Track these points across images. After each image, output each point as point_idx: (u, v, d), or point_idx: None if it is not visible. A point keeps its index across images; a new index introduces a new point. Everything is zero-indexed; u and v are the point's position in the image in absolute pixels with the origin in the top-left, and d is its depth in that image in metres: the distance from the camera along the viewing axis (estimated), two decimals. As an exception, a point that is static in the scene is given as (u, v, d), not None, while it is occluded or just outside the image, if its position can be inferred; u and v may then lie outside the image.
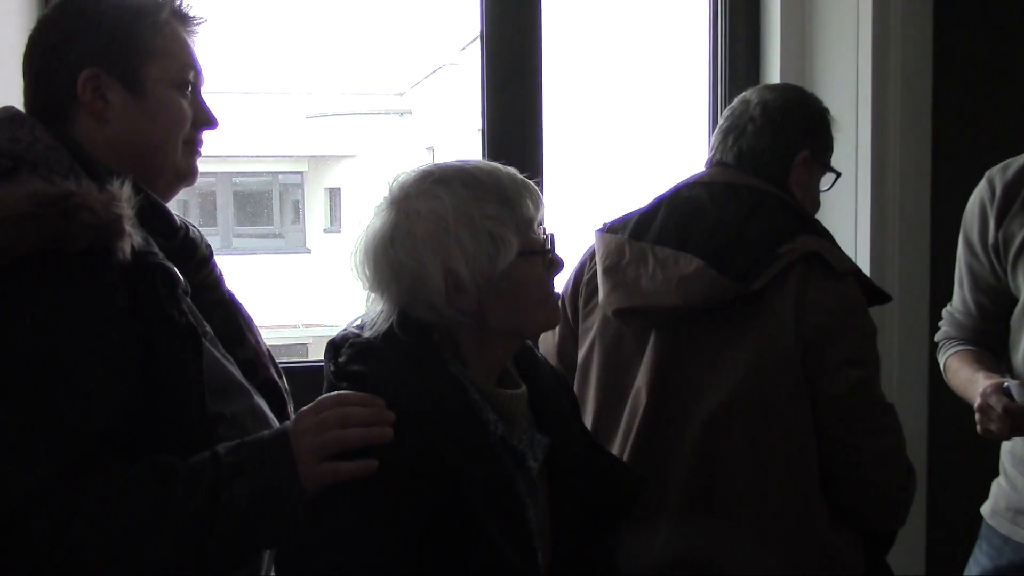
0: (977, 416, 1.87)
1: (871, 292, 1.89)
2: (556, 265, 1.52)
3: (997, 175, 2.00)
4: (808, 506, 1.79)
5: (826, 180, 2.03)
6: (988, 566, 2.02)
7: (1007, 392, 1.82)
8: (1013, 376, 1.96)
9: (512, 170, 1.48)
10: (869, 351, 1.83)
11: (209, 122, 1.53)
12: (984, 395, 1.86)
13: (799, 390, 1.77)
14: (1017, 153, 2.05)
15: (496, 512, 1.37)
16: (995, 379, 1.88)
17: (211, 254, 1.50)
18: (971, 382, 1.96)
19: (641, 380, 1.84)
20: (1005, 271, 1.98)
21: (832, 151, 2.03)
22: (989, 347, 2.05)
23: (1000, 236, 1.97)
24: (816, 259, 1.79)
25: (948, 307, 2.15)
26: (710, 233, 1.82)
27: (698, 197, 1.89)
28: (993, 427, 1.84)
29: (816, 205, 2.03)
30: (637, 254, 1.86)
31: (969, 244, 2.05)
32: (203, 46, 1.54)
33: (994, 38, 2.68)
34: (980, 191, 2.02)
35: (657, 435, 1.81)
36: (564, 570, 1.49)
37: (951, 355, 2.09)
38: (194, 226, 1.49)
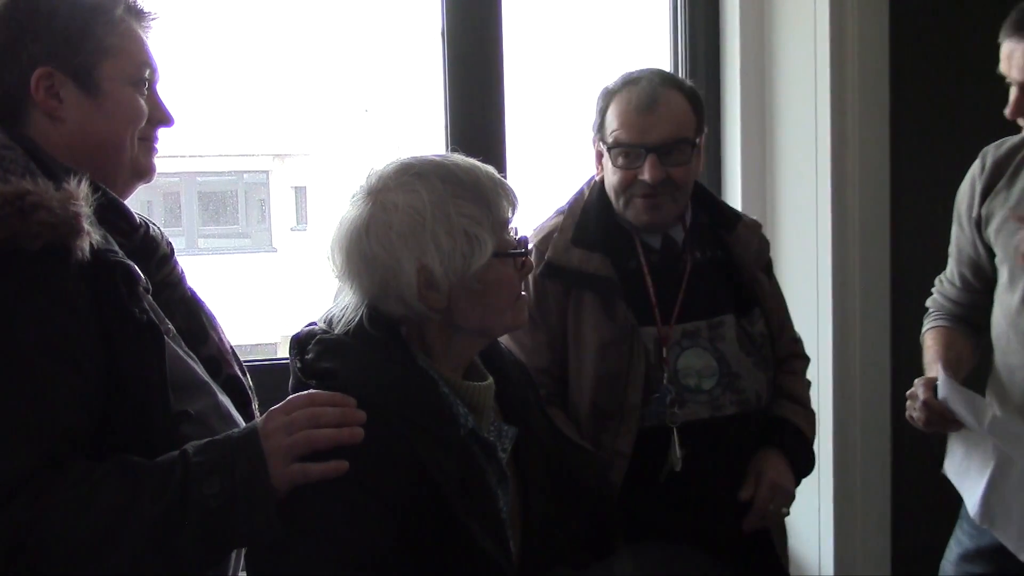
0: (907, 403, 1.97)
1: None
2: (528, 267, 1.53)
3: (991, 151, 2.05)
4: None
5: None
6: (969, 546, 2.07)
7: (935, 388, 1.92)
8: (992, 351, 2.04)
9: (490, 169, 1.49)
10: None
11: (165, 119, 1.52)
12: (915, 384, 1.96)
13: None
14: (975, 146, 2.10)
15: (470, 504, 1.39)
16: (939, 371, 1.96)
17: (172, 252, 1.49)
18: (928, 367, 2.02)
19: None
20: (987, 246, 2.02)
21: (602, 127, 1.96)
22: (969, 321, 2.10)
23: (983, 211, 2.02)
24: None
25: (942, 275, 2.21)
26: None
27: None
28: (915, 415, 1.94)
29: (612, 189, 1.97)
30: None
31: (958, 217, 2.10)
32: (162, 42, 1.53)
33: (949, 29, 2.71)
34: (974, 165, 2.07)
35: None
36: (533, 556, 1.51)
37: (928, 330, 2.16)
38: (154, 224, 1.48)
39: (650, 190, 1.92)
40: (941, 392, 1.90)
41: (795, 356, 2.15)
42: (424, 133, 2.82)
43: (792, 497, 1.99)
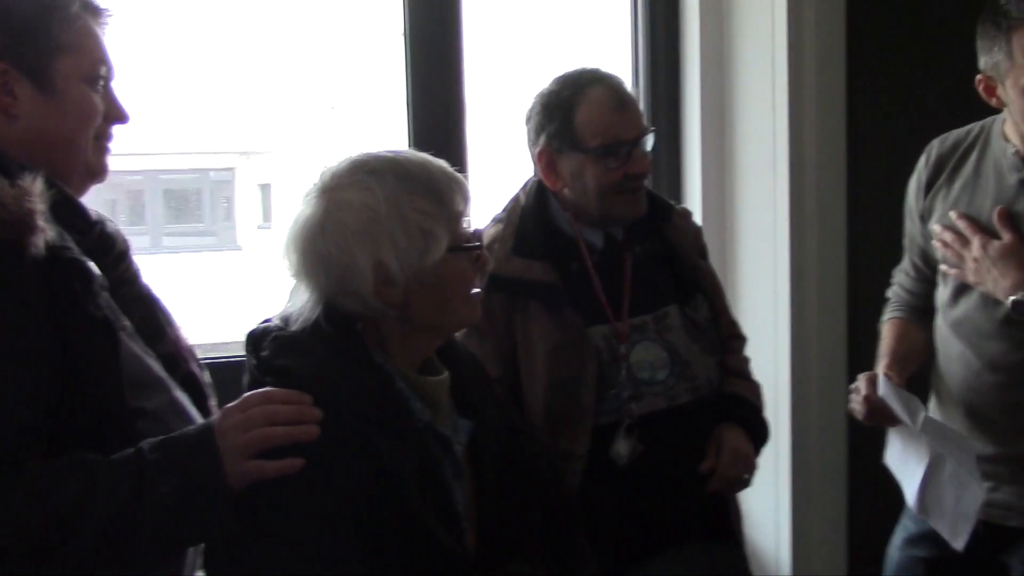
0: (851, 396, 2.02)
1: None
2: (483, 260, 1.54)
3: (935, 145, 2.09)
4: None
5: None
6: (913, 530, 2.13)
7: (875, 384, 1.97)
8: (933, 336, 2.09)
9: (443, 163, 1.50)
10: None
11: (121, 117, 1.52)
12: (858, 378, 2.01)
13: None
14: (929, 141, 2.12)
15: (427, 498, 1.40)
16: (885, 367, 2.02)
17: (128, 249, 1.49)
18: (879, 359, 2.07)
19: None
20: (930, 237, 2.07)
21: (570, 133, 1.92)
22: (925, 310, 2.15)
23: (926, 204, 2.07)
24: None
25: (899, 266, 2.25)
26: None
27: None
28: (857, 408, 2.00)
29: (597, 191, 1.94)
30: None
31: (909, 210, 2.15)
32: (126, 39, 1.53)
33: (905, 27, 2.75)
34: (920, 159, 2.11)
35: None
36: (490, 549, 1.52)
37: (886, 321, 2.21)
38: (111, 220, 1.48)
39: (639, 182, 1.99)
40: (881, 391, 1.96)
41: (734, 336, 2.18)
42: (387, 131, 2.83)
43: (753, 464, 2.03)
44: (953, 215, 1.98)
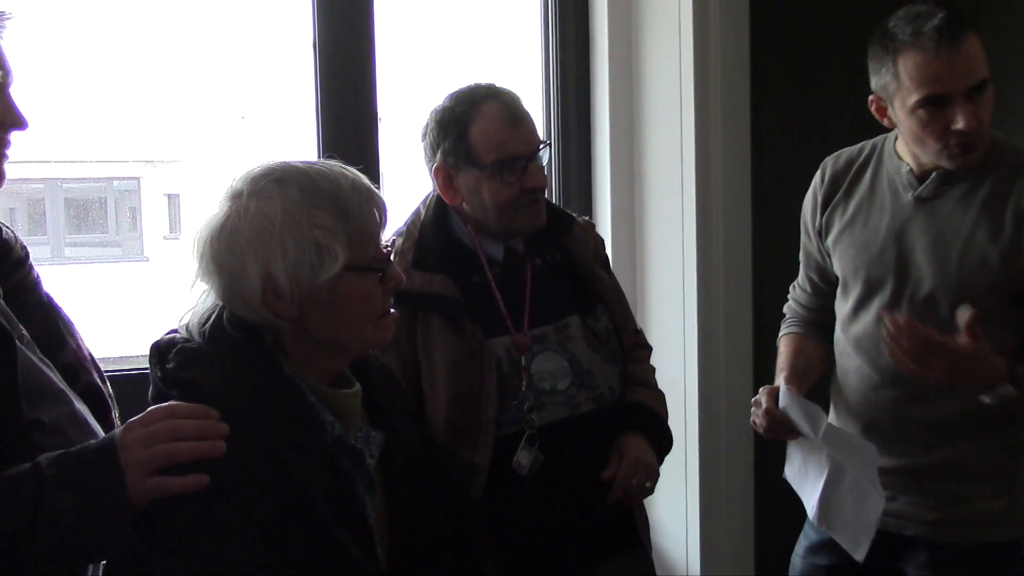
0: (752, 410, 2.05)
1: None
2: (392, 281, 1.51)
3: (829, 163, 2.14)
4: None
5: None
6: (815, 539, 2.17)
7: (777, 397, 2.01)
8: (831, 350, 2.15)
9: (358, 178, 1.46)
10: None
11: (18, 123, 1.47)
12: (760, 392, 2.05)
13: None
14: (828, 145, 2.18)
15: (338, 512, 1.38)
16: (784, 380, 2.06)
17: (27, 256, 1.45)
18: (778, 373, 2.11)
19: None
20: (827, 254, 2.11)
21: (465, 149, 1.92)
22: (821, 325, 2.20)
23: (823, 221, 2.12)
24: None
25: (795, 281, 2.30)
26: None
27: None
28: (758, 422, 2.03)
29: (495, 205, 1.95)
30: None
31: (804, 225, 2.20)
32: (25, 43, 1.49)
33: (807, 51, 2.83)
34: (815, 177, 2.16)
35: None
36: (402, 561, 1.51)
37: (783, 336, 2.25)
38: (8, 227, 1.44)
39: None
40: (782, 402, 2.00)
41: (638, 346, 2.21)
42: (298, 142, 2.80)
43: (655, 472, 2.04)
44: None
